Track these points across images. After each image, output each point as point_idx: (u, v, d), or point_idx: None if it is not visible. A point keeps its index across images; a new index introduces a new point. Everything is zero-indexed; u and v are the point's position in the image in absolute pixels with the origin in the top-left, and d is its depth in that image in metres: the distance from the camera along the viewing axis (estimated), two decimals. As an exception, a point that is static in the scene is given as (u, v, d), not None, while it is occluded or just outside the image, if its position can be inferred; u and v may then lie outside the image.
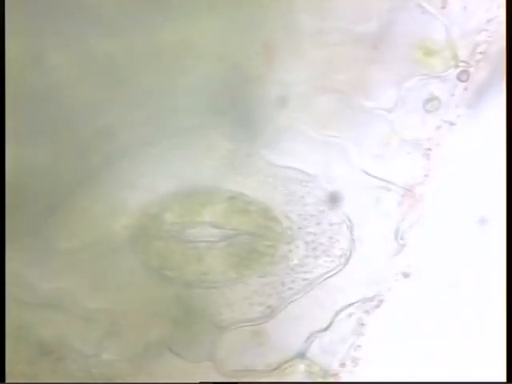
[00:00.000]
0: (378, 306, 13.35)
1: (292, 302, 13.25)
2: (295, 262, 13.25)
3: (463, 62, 13.19)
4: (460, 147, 13.32)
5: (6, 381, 12.46)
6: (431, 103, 13.25)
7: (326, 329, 13.30)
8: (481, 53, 13.15)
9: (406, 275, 13.35)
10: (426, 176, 13.36)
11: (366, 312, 13.34)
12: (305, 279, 13.26)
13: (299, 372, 13.33)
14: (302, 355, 13.31)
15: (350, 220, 13.29)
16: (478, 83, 13.23)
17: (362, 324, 13.35)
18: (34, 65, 12.94)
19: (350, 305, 13.31)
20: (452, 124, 13.31)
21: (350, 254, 13.30)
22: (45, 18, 12.89)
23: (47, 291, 13.12)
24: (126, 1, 12.95)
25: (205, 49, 13.09)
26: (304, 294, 13.26)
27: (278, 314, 13.26)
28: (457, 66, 13.19)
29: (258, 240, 13.23)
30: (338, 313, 13.29)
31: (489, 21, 13.10)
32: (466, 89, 13.24)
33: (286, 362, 13.31)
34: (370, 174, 13.28)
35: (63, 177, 13.10)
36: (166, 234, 13.19)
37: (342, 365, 13.38)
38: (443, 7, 13.04)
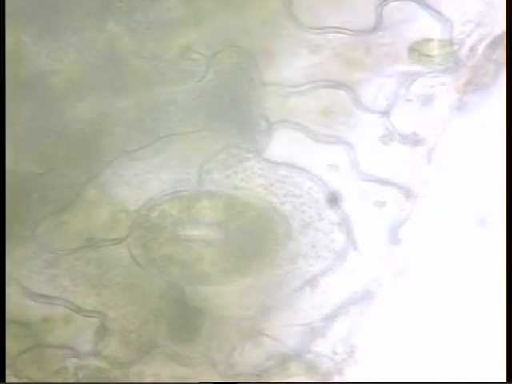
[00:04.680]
0: (376, 306, 13.31)
1: (290, 301, 13.24)
2: (293, 261, 13.23)
3: (460, 60, 13.15)
4: (458, 147, 13.28)
5: (6, 381, 12.50)
6: (429, 102, 13.21)
7: (323, 328, 13.28)
8: (478, 51, 13.11)
9: (404, 275, 13.31)
10: (424, 176, 13.33)
11: (365, 312, 13.31)
12: (303, 279, 13.24)
13: (298, 372, 13.32)
14: (300, 355, 13.29)
15: (348, 219, 13.26)
16: (475, 82, 13.20)
17: (361, 324, 13.32)
18: (34, 65, 13.01)
19: (348, 304, 13.28)
20: (450, 123, 13.26)
21: (349, 254, 13.27)
22: (45, 17, 12.97)
23: (45, 291, 13.14)
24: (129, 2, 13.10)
25: (204, 49, 13.12)
26: (302, 294, 13.25)
27: (276, 313, 13.25)
28: (454, 65, 13.15)
29: (257, 240, 13.23)
30: (336, 312, 13.26)
31: (485, 19, 13.06)
32: (463, 88, 13.20)
33: (284, 361, 13.30)
34: (368, 174, 13.25)
35: (62, 177, 13.13)
36: (164, 234, 13.19)
37: (341, 364, 13.36)
38: (440, 4, 13.01)
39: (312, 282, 13.24)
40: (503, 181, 12.42)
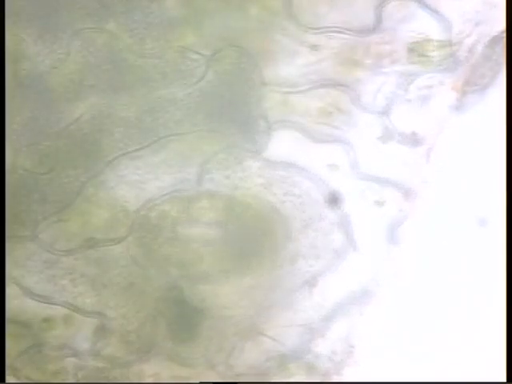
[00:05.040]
0: (376, 306, 13.30)
1: (289, 301, 13.23)
2: (293, 261, 13.23)
3: (461, 59, 13.16)
4: (458, 147, 13.28)
5: (6, 381, 12.50)
6: (429, 102, 13.22)
7: (323, 328, 13.26)
8: (477, 51, 13.12)
9: (404, 275, 13.29)
10: (424, 175, 13.33)
11: (364, 312, 13.29)
12: (302, 279, 13.23)
13: (298, 372, 13.29)
14: (300, 355, 13.27)
15: (347, 219, 13.26)
16: (476, 81, 13.20)
17: (361, 324, 13.30)
18: (34, 64, 13.05)
19: (347, 304, 13.27)
20: (451, 123, 13.27)
21: (348, 254, 13.26)
22: (45, 17, 13.02)
23: (45, 291, 13.14)
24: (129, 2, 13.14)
25: (204, 50, 13.16)
26: (302, 294, 13.23)
27: (276, 313, 13.24)
28: (455, 64, 13.16)
29: (256, 240, 13.23)
30: (335, 312, 13.25)
31: (486, 18, 13.08)
32: (464, 88, 13.21)
33: (285, 362, 13.28)
34: (368, 174, 13.25)
35: (62, 177, 13.15)
36: (164, 234, 13.20)
37: (340, 364, 13.34)
38: (439, 4, 13.04)
39: (311, 281, 13.22)
40: (503, 180, 12.41)
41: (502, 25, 12.85)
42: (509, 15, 12.54)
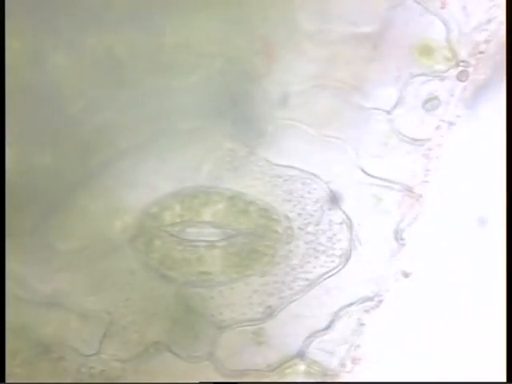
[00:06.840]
0: (377, 306, 13.34)
1: (292, 301, 13.25)
2: (295, 261, 13.25)
3: (463, 61, 13.17)
4: (459, 147, 13.30)
5: (6, 381, 12.48)
6: (431, 103, 13.23)
7: (325, 328, 13.29)
8: (480, 52, 13.14)
9: (405, 275, 13.34)
10: (425, 176, 13.36)
11: (366, 312, 13.34)
12: (305, 279, 13.25)
13: (299, 372, 13.33)
14: (301, 355, 13.30)
15: (349, 220, 13.27)
16: (477, 83, 13.22)
17: (362, 324, 13.34)
18: (34, 64, 12.95)
19: (349, 304, 13.30)
20: (451, 124, 13.30)
21: (350, 254, 13.29)
22: (45, 17, 12.90)
23: (47, 291, 13.14)
24: (127, 1, 13.00)
25: (205, 49, 13.11)
26: (304, 294, 13.25)
27: (278, 313, 13.26)
28: (456, 66, 13.17)
29: (258, 240, 13.22)
30: (337, 312, 13.28)
31: (488, 21, 13.09)
32: (465, 89, 13.23)
33: (286, 361, 13.31)
34: (369, 174, 13.28)
35: (63, 176, 13.12)
36: (166, 234, 13.19)
37: (342, 365, 13.38)
38: (443, 7, 13.03)
39: (315, 282, 13.24)
40: (503, 180, 12.42)
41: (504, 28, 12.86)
42: (509, 15, 12.52)
